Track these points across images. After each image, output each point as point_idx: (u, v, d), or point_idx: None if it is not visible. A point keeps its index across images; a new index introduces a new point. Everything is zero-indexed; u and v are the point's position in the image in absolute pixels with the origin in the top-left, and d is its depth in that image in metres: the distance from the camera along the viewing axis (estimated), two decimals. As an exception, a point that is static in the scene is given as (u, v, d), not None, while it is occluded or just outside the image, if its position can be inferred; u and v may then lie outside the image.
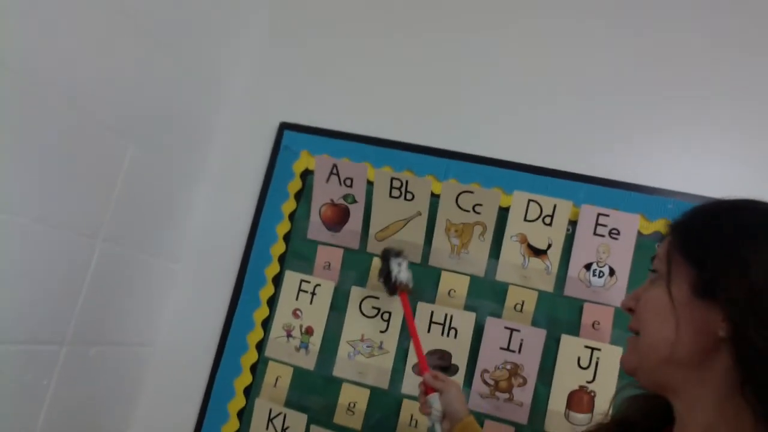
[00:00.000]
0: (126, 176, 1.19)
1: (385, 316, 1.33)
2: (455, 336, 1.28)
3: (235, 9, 1.47)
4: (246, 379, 1.38)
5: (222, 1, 1.41)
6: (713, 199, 0.65)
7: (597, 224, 1.26)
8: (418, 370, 1.17)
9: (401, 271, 1.19)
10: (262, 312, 1.40)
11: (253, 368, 1.38)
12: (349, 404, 1.31)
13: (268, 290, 1.41)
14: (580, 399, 1.21)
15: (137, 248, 1.29)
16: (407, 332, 1.31)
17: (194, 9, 1.31)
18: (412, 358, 1.29)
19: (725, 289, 0.57)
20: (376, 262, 1.34)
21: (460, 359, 1.27)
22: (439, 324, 1.29)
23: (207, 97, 1.44)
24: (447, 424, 1.03)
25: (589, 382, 1.21)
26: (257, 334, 1.39)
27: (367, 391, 1.30)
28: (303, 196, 1.44)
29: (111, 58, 1.09)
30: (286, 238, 1.42)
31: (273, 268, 1.41)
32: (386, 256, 1.23)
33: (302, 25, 1.55)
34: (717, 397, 0.58)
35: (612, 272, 1.25)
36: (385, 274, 1.21)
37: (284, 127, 1.48)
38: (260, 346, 1.38)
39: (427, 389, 1.07)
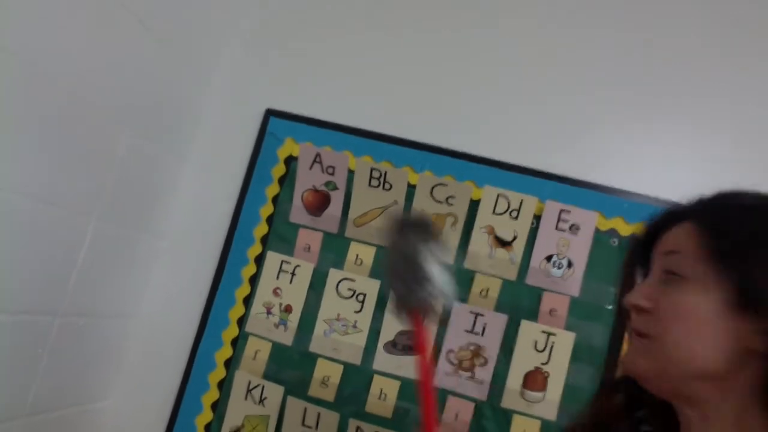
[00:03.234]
0: (120, 159, 1.24)
1: (360, 297, 1.42)
2: (424, 318, 1.38)
3: (225, -4, 1.52)
4: (227, 352, 1.46)
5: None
6: (744, 191, 0.61)
7: (559, 219, 1.37)
8: None
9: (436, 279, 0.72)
10: (244, 290, 1.48)
11: (234, 342, 1.46)
12: (324, 378, 1.40)
13: (250, 269, 1.48)
14: (535, 378, 1.33)
15: (128, 227, 1.35)
16: (380, 313, 1.40)
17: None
18: (383, 337, 1.39)
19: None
20: (361, 248, 1.42)
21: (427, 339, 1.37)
22: (410, 306, 1.39)
23: (196, 82, 1.49)
24: None
25: (543, 364, 1.33)
26: (238, 310, 1.47)
27: (341, 367, 1.40)
28: (286, 180, 1.50)
29: (105, 48, 1.14)
30: (269, 220, 1.50)
31: (255, 249, 1.49)
32: (411, 241, 0.72)
33: (291, 14, 1.60)
34: (737, 410, 0.56)
35: (570, 264, 1.36)
36: (406, 275, 0.73)
37: (270, 113, 1.54)
38: (241, 321, 1.46)
39: None
